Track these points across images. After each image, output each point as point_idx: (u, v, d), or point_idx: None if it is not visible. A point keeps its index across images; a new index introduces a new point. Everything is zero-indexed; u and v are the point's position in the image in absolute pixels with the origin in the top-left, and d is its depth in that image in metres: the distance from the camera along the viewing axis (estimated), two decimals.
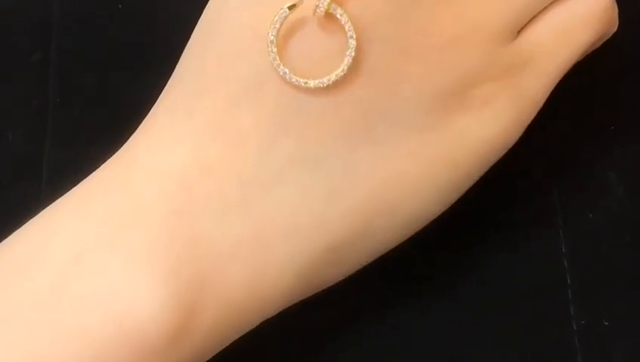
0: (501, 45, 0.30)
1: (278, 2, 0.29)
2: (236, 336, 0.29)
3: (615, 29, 0.32)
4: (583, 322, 0.33)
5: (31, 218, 0.29)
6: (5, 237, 0.29)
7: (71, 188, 0.29)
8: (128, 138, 0.30)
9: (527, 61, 0.31)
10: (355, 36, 0.29)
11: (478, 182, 0.31)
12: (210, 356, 0.29)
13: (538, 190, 0.35)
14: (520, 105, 0.31)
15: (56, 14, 0.37)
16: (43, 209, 0.29)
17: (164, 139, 0.29)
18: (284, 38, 0.29)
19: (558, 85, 0.32)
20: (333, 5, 0.29)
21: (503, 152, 0.31)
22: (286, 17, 0.29)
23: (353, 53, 0.29)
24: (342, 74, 0.29)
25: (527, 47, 0.31)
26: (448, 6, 0.29)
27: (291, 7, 0.29)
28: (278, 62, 0.29)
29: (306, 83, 0.29)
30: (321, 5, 0.29)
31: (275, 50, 0.29)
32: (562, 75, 0.32)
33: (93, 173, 0.29)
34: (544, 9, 0.31)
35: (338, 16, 0.29)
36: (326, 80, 0.29)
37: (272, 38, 0.29)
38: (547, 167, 0.35)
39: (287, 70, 0.29)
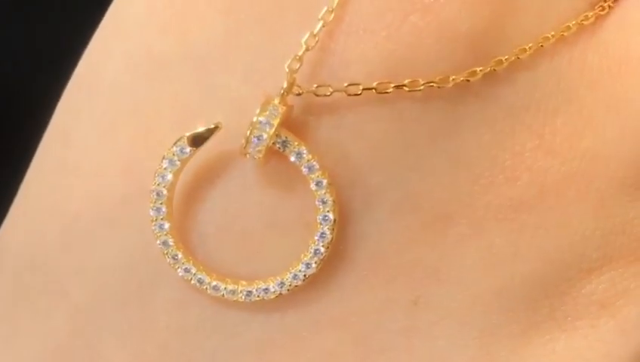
0: (633, 201, 0.18)
1: (170, 125, 0.18)
2: None
3: None
4: None
5: None
6: None
7: None
8: None
9: None
10: (331, 198, 0.17)
11: None
12: None
13: None
14: None
15: None
16: None
17: None
18: (190, 198, 0.18)
19: None
20: (284, 137, 0.17)
21: None
22: (188, 159, 0.17)
23: (329, 234, 0.17)
24: (310, 273, 0.17)
25: None
26: (540, 131, 0.18)
27: (196, 140, 0.17)
28: (176, 252, 0.17)
29: (233, 293, 0.17)
30: (256, 139, 0.17)
31: (167, 226, 0.17)
32: None
33: None
34: None
35: (292, 158, 0.17)
36: (275, 287, 0.17)
37: (157, 204, 0.17)
38: None
39: (192, 267, 0.17)
